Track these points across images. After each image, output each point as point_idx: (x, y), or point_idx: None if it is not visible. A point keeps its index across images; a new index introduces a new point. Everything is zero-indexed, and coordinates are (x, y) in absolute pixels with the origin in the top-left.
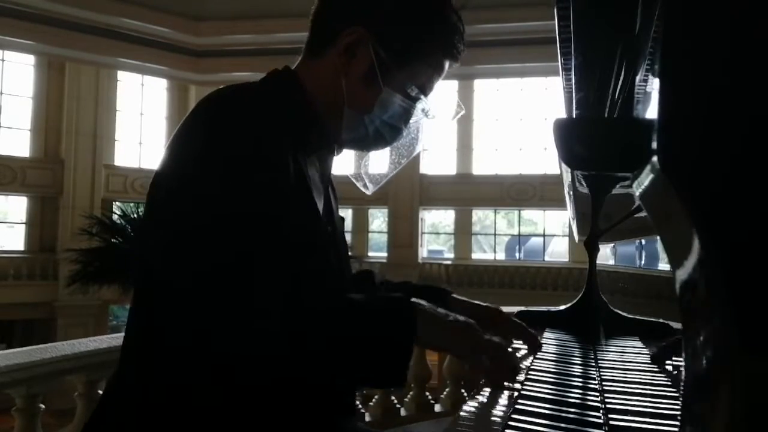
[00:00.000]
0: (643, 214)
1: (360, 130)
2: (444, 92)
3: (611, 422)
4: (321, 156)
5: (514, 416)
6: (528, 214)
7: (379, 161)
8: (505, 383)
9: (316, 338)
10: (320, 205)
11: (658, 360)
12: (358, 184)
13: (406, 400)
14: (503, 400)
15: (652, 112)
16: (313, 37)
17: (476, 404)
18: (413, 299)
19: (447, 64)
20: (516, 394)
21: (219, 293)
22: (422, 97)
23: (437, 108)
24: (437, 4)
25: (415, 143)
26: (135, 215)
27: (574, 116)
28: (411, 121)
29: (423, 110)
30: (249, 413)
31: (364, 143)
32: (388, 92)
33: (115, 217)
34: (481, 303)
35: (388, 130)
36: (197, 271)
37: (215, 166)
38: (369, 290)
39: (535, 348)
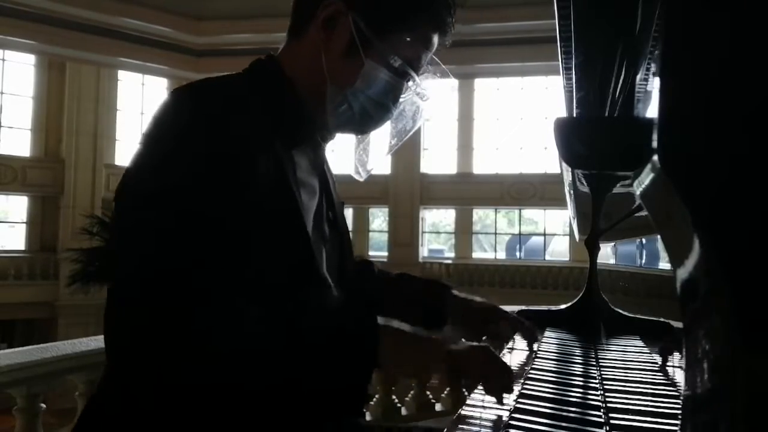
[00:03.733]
0: (643, 213)
1: (345, 108)
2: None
3: (612, 421)
4: (313, 145)
5: (515, 415)
6: (528, 213)
7: (376, 144)
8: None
9: (288, 345)
10: (314, 198)
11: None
12: (352, 173)
13: (406, 399)
14: (504, 399)
15: (652, 111)
16: (293, 19)
17: (477, 403)
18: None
19: (435, 38)
20: (515, 393)
21: (173, 293)
22: (409, 71)
23: (429, 87)
24: None
25: (408, 124)
26: None
27: (574, 115)
28: (401, 99)
29: (414, 89)
30: (243, 412)
31: (352, 123)
32: (371, 65)
33: None
34: (477, 299)
35: (375, 107)
36: (150, 270)
37: (179, 165)
38: (368, 281)
39: (532, 340)
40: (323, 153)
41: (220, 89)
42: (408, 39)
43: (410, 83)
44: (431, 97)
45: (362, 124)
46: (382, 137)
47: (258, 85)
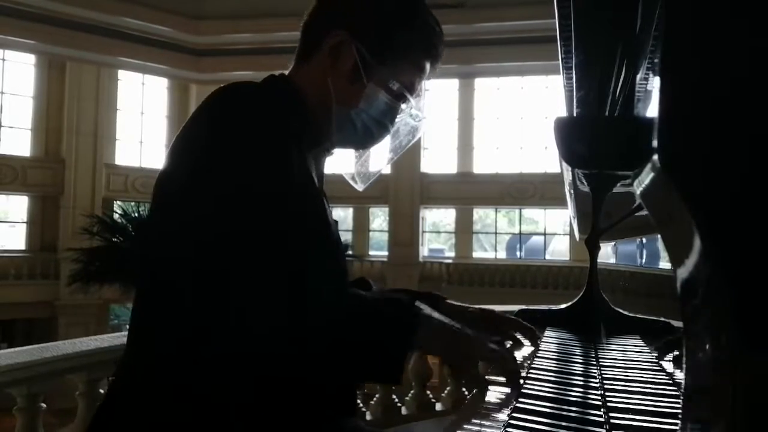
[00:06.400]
0: (643, 212)
1: (348, 127)
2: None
3: (612, 420)
4: (316, 156)
5: (515, 415)
6: (529, 212)
7: (373, 158)
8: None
9: (319, 339)
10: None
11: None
12: (350, 181)
13: (407, 398)
14: (504, 398)
15: (652, 110)
16: (302, 45)
17: (477, 403)
18: (417, 303)
19: (428, 65)
20: (517, 393)
21: (223, 294)
22: (406, 94)
23: (422, 109)
24: (414, 8)
25: (403, 141)
26: (136, 214)
27: (574, 115)
28: (397, 119)
29: (409, 113)
30: (252, 412)
31: (354, 140)
32: (372, 88)
33: (116, 216)
34: (474, 306)
35: (376, 125)
36: (201, 271)
37: (224, 167)
38: None
39: (533, 340)
40: (323, 166)
41: (251, 96)
42: (404, 65)
43: (405, 105)
44: (424, 118)
45: (363, 140)
46: (379, 152)
47: (276, 95)
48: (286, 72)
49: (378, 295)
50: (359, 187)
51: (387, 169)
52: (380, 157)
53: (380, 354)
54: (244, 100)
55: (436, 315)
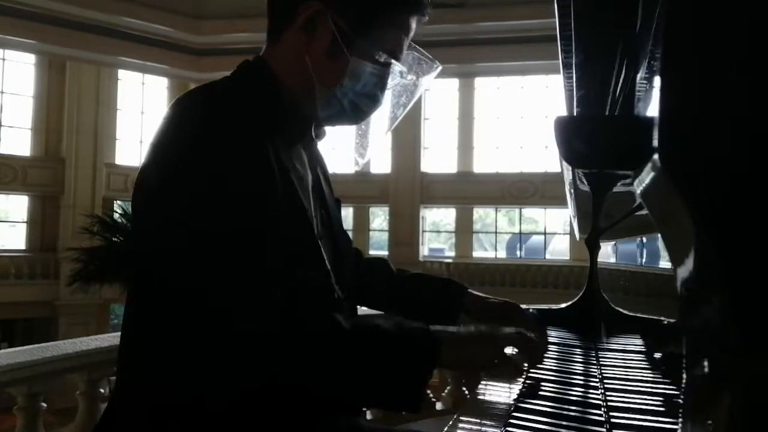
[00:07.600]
0: (644, 212)
1: (335, 105)
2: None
3: (613, 419)
4: (305, 143)
5: (515, 414)
6: (529, 212)
7: (370, 130)
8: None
9: (328, 360)
10: (309, 196)
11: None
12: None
13: None
14: (504, 398)
15: (653, 109)
16: (271, 19)
17: (477, 402)
18: (432, 328)
19: (414, 22)
20: (518, 390)
21: (208, 297)
22: (392, 61)
23: (412, 68)
24: None
25: (398, 110)
26: None
27: (575, 114)
28: (389, 86)
29: (399, 72)
30: (252, 412)
31: (343, 117)
32: (357, 62)
33: (116, 215)
34: (498, 299)
35: (365, 99)
36: (187, 274)
37: (198, 169)
38: (385, 279)
39: (543, 345)
40: (316, 150)
41: (221, 96)
42: (389, 29)
43: (394, 68)
44: (413, 72)
45: (353, 116)
46: (375, 123)
47: (251, 87)
48: (261, 53)
49: (392, 322)
50: (357, 165)
51: (387, 168)
52: (378, 127)
53: (398, 384)
54: (216, 104)
55: (451, 329)
